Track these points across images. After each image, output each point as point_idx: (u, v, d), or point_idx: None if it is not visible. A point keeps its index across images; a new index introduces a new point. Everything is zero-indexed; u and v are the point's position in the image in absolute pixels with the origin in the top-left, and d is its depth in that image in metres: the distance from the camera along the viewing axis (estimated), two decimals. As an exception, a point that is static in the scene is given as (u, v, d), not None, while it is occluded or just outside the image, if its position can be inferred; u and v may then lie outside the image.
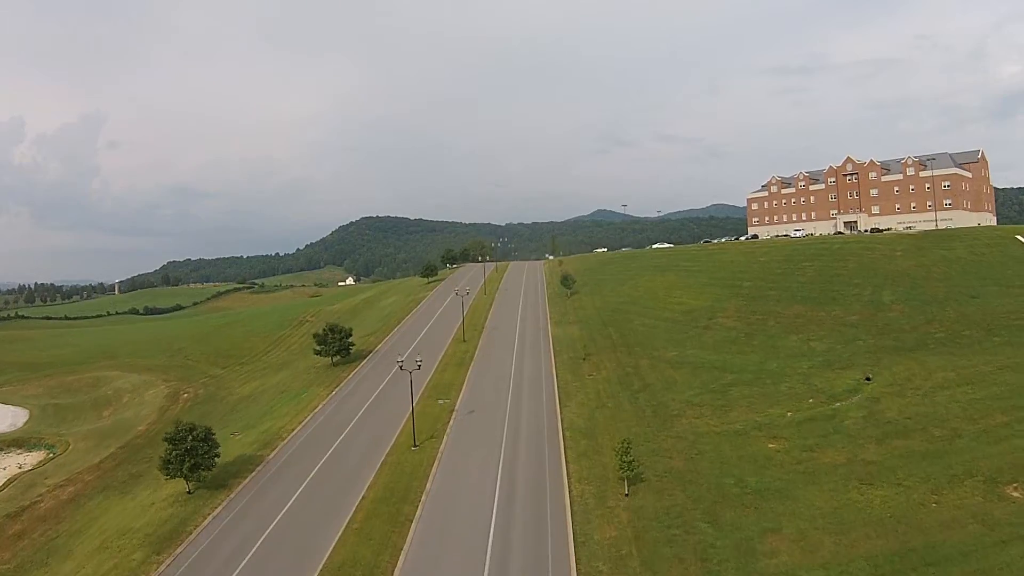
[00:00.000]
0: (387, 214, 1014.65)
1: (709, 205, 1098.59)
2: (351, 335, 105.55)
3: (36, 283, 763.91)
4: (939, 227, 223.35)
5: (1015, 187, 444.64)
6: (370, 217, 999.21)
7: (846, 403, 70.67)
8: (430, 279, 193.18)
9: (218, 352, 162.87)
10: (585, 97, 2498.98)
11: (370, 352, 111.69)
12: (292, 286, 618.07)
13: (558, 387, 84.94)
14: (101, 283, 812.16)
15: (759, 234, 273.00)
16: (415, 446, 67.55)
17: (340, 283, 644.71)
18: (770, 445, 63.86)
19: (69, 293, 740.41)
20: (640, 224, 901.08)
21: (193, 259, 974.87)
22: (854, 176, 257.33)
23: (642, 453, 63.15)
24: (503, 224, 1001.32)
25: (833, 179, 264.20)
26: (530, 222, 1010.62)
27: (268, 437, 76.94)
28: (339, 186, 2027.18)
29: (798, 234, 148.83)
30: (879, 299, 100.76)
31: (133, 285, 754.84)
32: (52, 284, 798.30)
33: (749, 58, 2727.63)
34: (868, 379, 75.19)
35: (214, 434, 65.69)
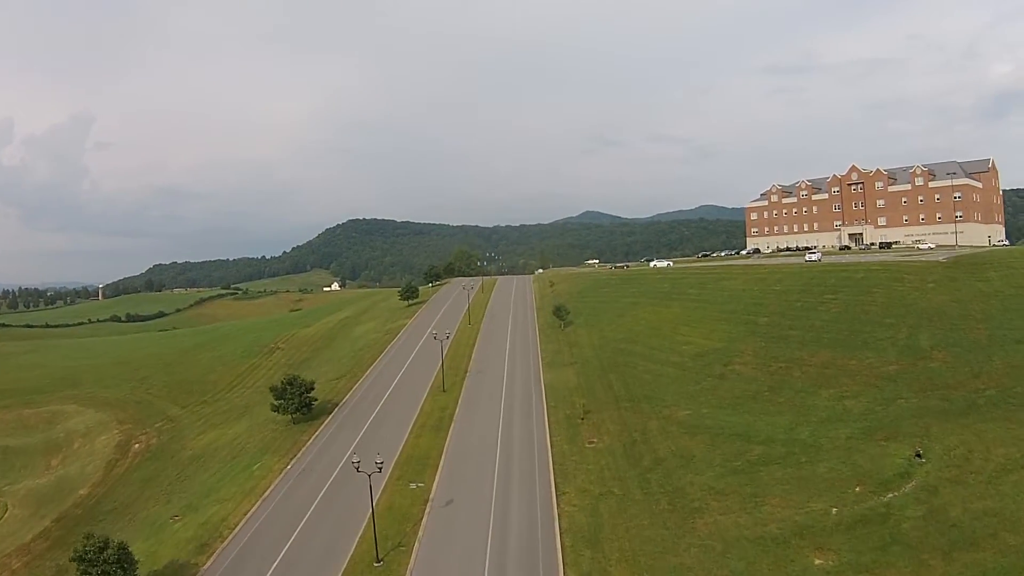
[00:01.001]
0: (374, 216, 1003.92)
1: (698, 206, 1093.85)
2: (312, 389, 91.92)
3: (21, 287, 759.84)
4: (953, 240, 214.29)
5: (1008, 188, 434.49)
6: (357, 219, 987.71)
7: (900, 494, 58.52)
8: (410, 302, 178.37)
9: (182, 384, 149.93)
10: (574, 98, 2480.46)
11: (336, 405, 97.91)
12: (276, 292, 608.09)
13: (553, 461, 72.02)
14: (86, 287, 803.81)
15: (759, 247, 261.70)
16: (379, 561, 54.71)
17: (326, 288, 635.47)
18: (817, 561, 51.62)
19: (53, 298, 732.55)
20: (629, 227, 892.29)
21: (179, 262, 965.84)
22: (859, 186, 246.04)
23: (660, 572, 50.94)
24: (490, 226, 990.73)
25: (837, 188, 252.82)
26: (518, 224, 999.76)
27: (207, 533, 64.02)
28: (326, 187, 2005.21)
29: (813, 258, 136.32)
30: (916, 343, 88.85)
31: (117, 290, 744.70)
32: (36, 289, 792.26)
33: (742, 58, 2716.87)
34: (919, 455, 63.12)
35: (130, 551, 53.15)
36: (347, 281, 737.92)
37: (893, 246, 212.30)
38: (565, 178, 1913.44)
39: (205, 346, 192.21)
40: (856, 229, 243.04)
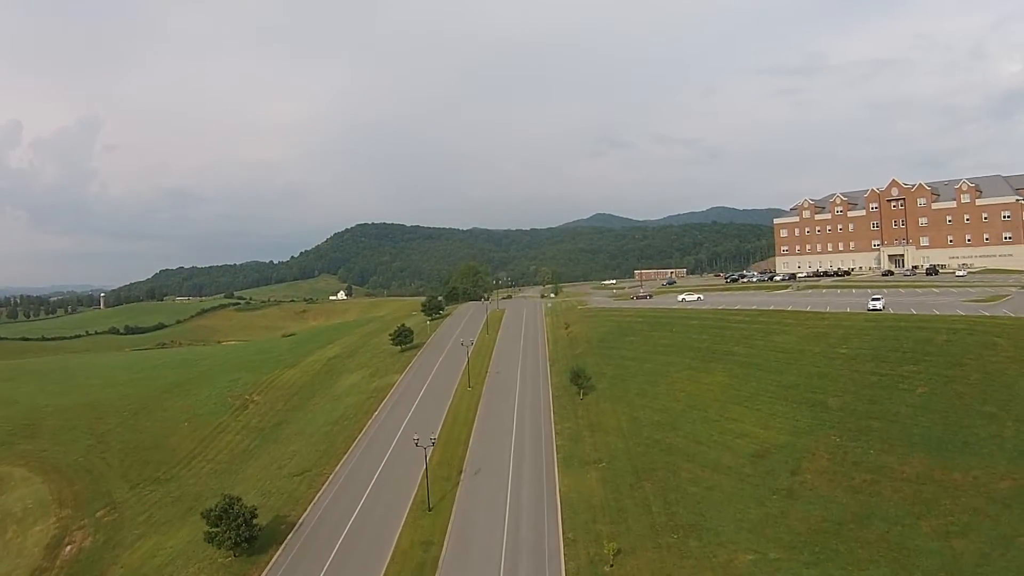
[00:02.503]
0: (383, 220, 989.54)
1: (710, 208, 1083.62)
2: (255, 517, 70.42)
3: (24, 294, 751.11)
4: (1003, 264, 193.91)
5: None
6: (366, 224, 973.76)
7: None
8: (404, 347, 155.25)
9: (138, 449, 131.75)
10: (582, 99, 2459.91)
11: (292, 527, 75.41)
12: (280, 302, 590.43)
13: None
14: (90, 294, 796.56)
15: (794, 269, 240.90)
16: None
17: (332, 297, 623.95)
18: None
19: (54, 307, 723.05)
20: (642, 230, 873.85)
21: (186, 267, 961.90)
22: (900, 202, 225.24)
23: None
24: (501, 230, 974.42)
25: (875, 204, 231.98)
26: (528, 228, 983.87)
27: None
28: (331, 190, 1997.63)
29: (877, 306, 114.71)
30: (1028, 446, 68.95)
31: (120, 298, 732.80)
32: (40, 296, 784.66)
33: (746, 59, 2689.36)
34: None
35: None
36: (354, 288, 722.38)
37: (940, 271, 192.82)
38: (573, 180, 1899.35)
39: (179, 388, 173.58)
40: (896, 250, 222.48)
